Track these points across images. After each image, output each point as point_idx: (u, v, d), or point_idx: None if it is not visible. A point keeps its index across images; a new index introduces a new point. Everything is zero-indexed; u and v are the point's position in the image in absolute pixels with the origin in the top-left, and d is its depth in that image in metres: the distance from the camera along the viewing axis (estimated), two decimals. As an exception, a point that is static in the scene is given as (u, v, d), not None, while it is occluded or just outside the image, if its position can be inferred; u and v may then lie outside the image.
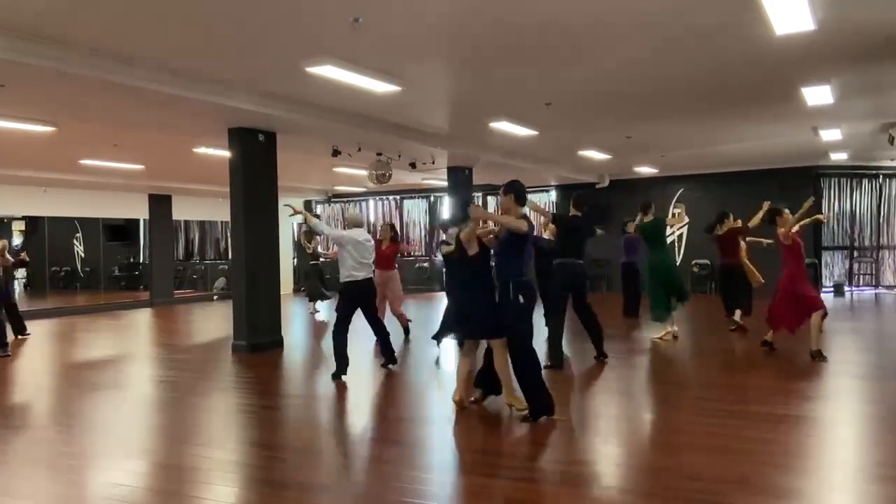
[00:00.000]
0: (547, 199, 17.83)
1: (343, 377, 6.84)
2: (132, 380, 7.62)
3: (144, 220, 17.39)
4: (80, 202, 15.15)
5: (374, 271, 7.55)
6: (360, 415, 5.99)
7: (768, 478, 3.91)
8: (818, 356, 7.05)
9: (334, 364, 6.89)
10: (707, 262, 14.95)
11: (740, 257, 9.42)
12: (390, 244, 9.31)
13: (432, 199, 19.04)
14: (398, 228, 19.43)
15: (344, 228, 7.76)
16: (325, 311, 13.37)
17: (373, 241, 7.31)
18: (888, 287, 14.84)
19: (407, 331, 9.47)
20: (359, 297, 7.00)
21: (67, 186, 14.18)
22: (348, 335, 6.91)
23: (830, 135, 10.71)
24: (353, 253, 6.90)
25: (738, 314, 9.23)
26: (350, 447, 5.03)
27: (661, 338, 8.61)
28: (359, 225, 7.32)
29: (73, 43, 5.59)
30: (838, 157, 13.59)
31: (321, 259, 13.35)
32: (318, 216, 7.09)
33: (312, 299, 13.43)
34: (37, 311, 14.30)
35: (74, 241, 18.59)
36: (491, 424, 5.37)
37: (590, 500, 3.74)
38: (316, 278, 13.30)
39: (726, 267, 9.42)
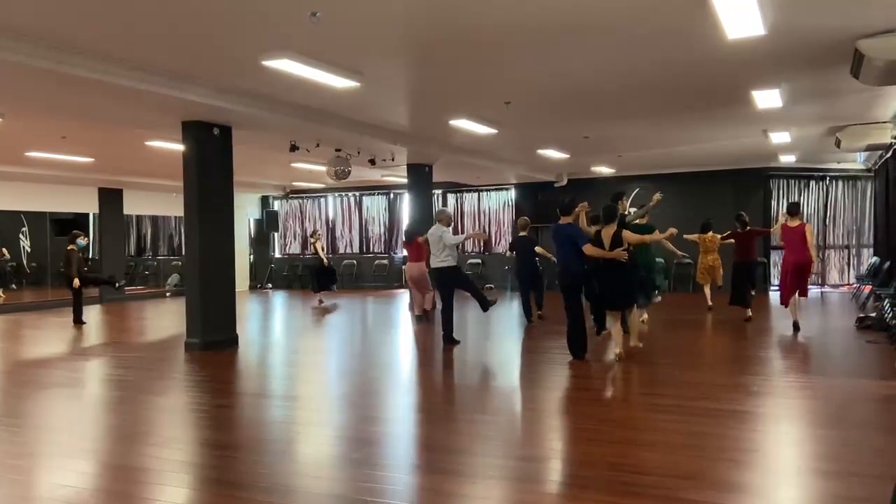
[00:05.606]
0: (507, 197, 17.97)
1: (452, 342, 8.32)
2: (81, 378, 7.42)
3: (94, 214, 16.94)
4: (27, 195, 14.73)
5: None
6: (317, 413, 5.93)
7: (719, 472, 4.00)
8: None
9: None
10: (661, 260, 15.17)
11: (756, 254, 10.50)
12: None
13: (392, 195, 18.97)
14: (359, 225, 19.44)
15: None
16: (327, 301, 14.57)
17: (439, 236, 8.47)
18: (833, 286, 15.35)
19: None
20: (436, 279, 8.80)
21: (13, 179, 13.77)
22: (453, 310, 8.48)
23: (780, 137, 11.02)
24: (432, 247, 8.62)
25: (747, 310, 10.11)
26: (306, 446, 4.98)
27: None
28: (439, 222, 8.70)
29: (21, 31, 5.39)
30: (787, 159, 14.00)
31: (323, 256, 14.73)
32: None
33: (314, 290, 14.61)
34: (-20, 307, 13.82)
35: (20, 236, 18.00)
36: (449, 422, 5.40)
37: (543, 495, 3.78)
38: (315, 272, 14.62)
39: (744, 263, 10.20)
